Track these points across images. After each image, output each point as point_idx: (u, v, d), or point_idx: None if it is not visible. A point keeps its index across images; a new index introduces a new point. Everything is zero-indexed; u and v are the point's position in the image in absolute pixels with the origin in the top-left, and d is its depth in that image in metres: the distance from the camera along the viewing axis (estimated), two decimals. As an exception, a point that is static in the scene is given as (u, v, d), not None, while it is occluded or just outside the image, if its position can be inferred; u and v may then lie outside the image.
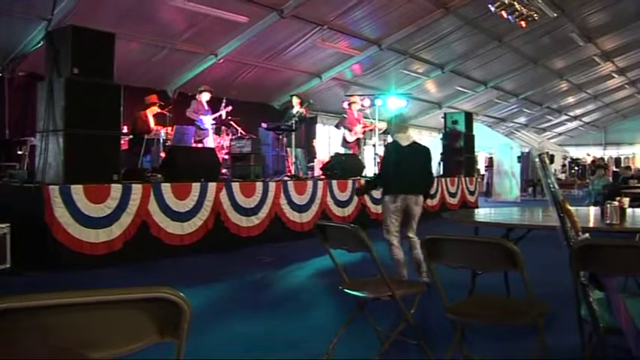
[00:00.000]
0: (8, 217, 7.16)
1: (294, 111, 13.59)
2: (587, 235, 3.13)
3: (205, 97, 12.88)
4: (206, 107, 12.85)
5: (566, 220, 3.02)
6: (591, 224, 4.58)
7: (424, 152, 6.82)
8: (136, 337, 1.62)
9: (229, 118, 13.08)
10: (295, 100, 13.88)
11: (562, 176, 28.73)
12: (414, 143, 6.78)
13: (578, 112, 35.37)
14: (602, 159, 31.18)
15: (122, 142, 9.87)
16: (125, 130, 10.98)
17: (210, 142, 12.68)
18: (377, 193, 12.67)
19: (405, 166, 6.59)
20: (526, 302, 3.25)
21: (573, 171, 30.29)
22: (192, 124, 12.51)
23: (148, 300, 1.58)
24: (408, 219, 6.57)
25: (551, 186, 3.07)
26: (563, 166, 30.79)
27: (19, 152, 10.90)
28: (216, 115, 12.86)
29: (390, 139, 7.22)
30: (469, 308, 3.53)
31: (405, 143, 6.70)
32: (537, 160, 3.15)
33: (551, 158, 23.82)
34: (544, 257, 5.65)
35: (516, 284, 4.15)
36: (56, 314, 1.51)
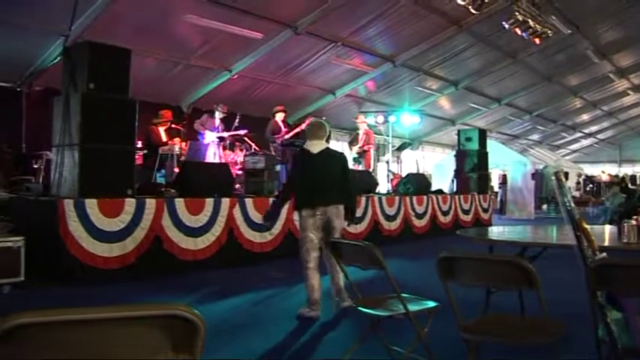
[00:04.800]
0: (23, 231, 7.20)
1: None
2: (604, 254, 3.10)
3: (218, 114, 12.77)
4: (216, 124, 12.71)
5: (583, 239, 2.99)
6: (607, 243, 4.53)
7: (339, 158, 6.27)
8: (151, 354, 1.62)
9: (242, 135, 12.99)
10: (280, 116, 13.38)
11: (576, 194, 28.54)
12: (327, 149, 6.20)
13: (592, 129, 35.26)
14: (616, 176, 30.98)
15: (136, 156, 9.92)
16: (140, 144, 11.03)
17: (209, 157, 12.53)
18: (389, 209, 12.72)
19: (318, 175, 6.06)
20: (541, 321, 3.22)
21: (588, 189, 30.09)
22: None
23: (163, 317, 1.58)
24: (328, 236, 5.89)
25: (568, 204, 3.05)
26: (578, 183, 30.60)
27: (35, 166, 10.97)
28: (221, 134, 12.69)
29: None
30: (483, 327, 3.49)
31: (315, 150, 6.13)
32: (554, 178, 3.13)
33: (566, 175, 23.68)
34: (560, 276, 5.59)
35: (531, 303, 4.11)
36: (70, 330, 1.51)
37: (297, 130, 13.00)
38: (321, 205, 6.00)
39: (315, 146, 6.16)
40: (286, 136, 13.01)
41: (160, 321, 1.59)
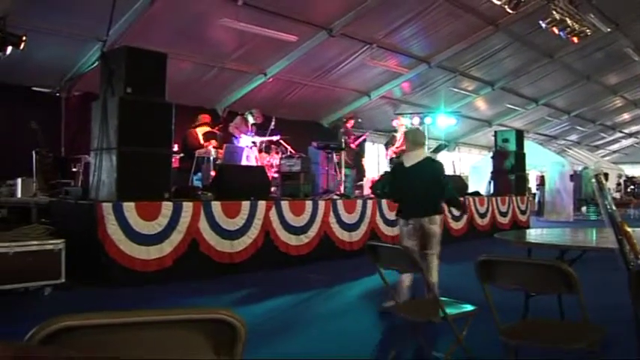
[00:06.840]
0: (63, 233, 7.31)
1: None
2: (647, 258, 3.03)
3: (250, 119, 12.81)
4: (249, 127, 12.74)
5: (625, 243, 2.93)
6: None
7: (433, 168, 6.37)
8: (192, 356, 1.63)
9: (278, 139, 13.00)
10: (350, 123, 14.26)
11: (617, 195, 27.99)
12: (423, 160, 6.32)
13: (633, 129, 34.60)
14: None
15: (173, 160, 10.01)
16: (176, 148, 11.11)
17: (245, 160, 12.52)
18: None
19: (410, 188, 6.26)
20: (582, 326, 3.16)
21: (629, 190, 29.50)
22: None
23: (205, 321, 1.59)
24: (426, 240, 6.16)
25: (609, 207, 2.99)
26: (618, 184, 30.03)
27: (74, 169, 11.16)
28: (256, 139, 12.72)
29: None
30: (523, 331, 3.45)
31: (410, 163, 6.30)
32: (594, 180, 3.07)
33: (606, 177, 23.28)
34: (600, 280, 5.50)
35: (570, 308, 4.04)
36: (113, 333, 1.52)
37: (361, 139, 14.04)
38: (413, 217, 6.22)
39: (410, 159, 6.34)
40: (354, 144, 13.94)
41: (203, 324, 1.60)
